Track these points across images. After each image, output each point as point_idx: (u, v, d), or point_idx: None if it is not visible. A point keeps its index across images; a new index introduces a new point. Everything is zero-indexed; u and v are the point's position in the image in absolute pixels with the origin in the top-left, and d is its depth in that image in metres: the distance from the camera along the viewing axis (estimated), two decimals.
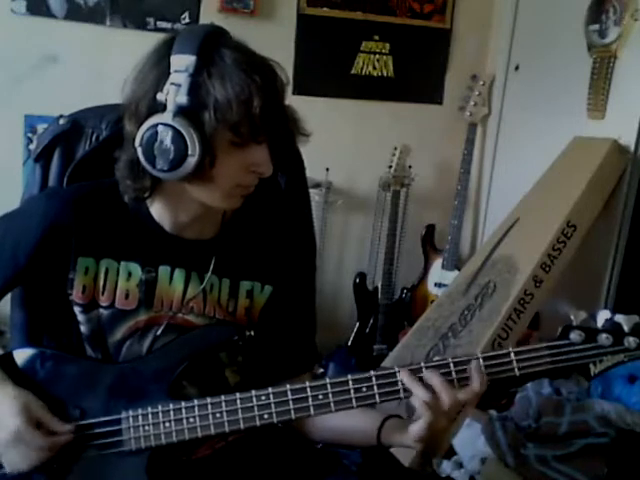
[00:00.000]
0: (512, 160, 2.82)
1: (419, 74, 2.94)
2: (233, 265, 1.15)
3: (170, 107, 0.96)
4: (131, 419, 1.05)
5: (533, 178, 2.38)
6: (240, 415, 1.01)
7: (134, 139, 0.99)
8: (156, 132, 0.97)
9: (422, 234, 2.89)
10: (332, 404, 0.99)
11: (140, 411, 1.05)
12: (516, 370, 0.97)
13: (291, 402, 1.00)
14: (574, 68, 2.39)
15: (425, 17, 2.88)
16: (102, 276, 1.11)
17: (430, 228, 2.89)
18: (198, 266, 1.13)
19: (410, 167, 2.73)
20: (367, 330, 2.79)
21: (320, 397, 1.00)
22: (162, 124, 0.96)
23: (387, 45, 2.85)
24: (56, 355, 1.12)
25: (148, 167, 1.00)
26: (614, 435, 1.79)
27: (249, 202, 1.11)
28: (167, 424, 1.04)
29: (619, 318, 0.95)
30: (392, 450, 1.17)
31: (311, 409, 1.00)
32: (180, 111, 0.96)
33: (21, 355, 1.12)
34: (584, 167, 2.21)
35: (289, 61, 2.67)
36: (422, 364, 0.98)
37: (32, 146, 2.44)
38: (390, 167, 2.70)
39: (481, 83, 2.84)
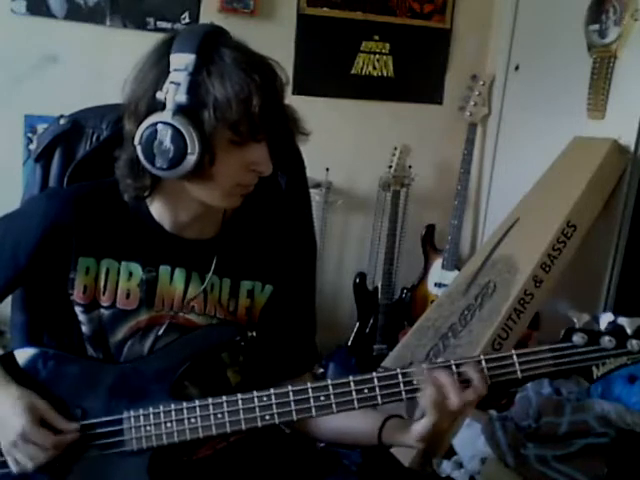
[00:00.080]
0: (512, 160, 2.82)
1: (419, 74, 2.93)
2: (234, 265, 1.15)
3: (169, 106, 0.96)
4: (132, 419, 1.05)
5: (533, 178, 2.38)
6: (242, 416, 1.01)
7: (134, 138, 0.99)
8: (155, 131, 0.97)
9: (422, 234, 2.89)
10: (334, 405, 0.99)
11: (142, 411, 1.05)
12: (519, 373, 0.97)
13: (293, 403, 1.00)
14: (574, 68, 2.39)
15: (425, 17, 2.88)
16: (103, 276, 1.11)
17: (430, 228, 2.89)
18: (199, 266, 1.13)
19: (410, 167, 2.73)
20: (367, 330, 2.79)
21: (322, 398, 1.00)
22: (161, 123, 0.97)
23: (387, 45, 2.85)
24: (58, 355, 1.12)
25: (148, 166, 1.00)
26: (614, 435, 1.79)
27: (249, 202, 1.11)
28: (168, 424, 1.04)
29: (622, 321, 0.95)
30: (392, 450, 1.17)
31: (313, 410, 1.00)
32: (179, 110, 0.96)
33: (22, 355, 1.12)
34: (584, 167, 2.21)
35: (289, 61, 2.67)
36: (424, 365, 0.98)
37: (32, 146, 2.44)
38: (390, 167, 2.70)
39: (481, 83, 2.84)
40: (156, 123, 0.97)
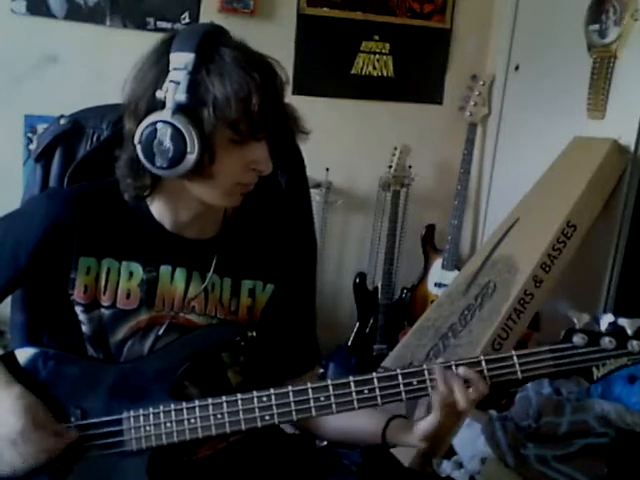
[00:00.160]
0: (512, 160, 2.82)
1: (419, 74, 2.94)
2: (234, 264, 1.15)
3: (169, 105, 0.96)
4: (132, 419, 1.05)
5: (533, 178, 2.38)
6: (241, 416, 1.01)
7: (134, 137, 0.99)
8: (155, 130, 0.97)
9: (422, 234, 2.89)
10: (334, 405, 1.00)
11: (141, 411, 1.05)
12: (519, 373, 0.97)
13: (293, 403, 1.00)
14: (574, 68, 2.39)
15: (425, 17, 2.88)
16: (104, 276, 1.10)
17: (430, 228, 2.89)
18: (199, 265, 1.13)
19: (410, 167, 2.73)
20: (367, 330, 2.79)
21: (322, 399, 1.00)
22: (161, 121, 0.97)
23: (387, 45, 2.85)
24: (58, 355, 1.11)
25: (148, 165, 1.00)
26: (614, 435, 1.79)
27: (250, 201, 1.11)
28: (168, 424, 1.04)
29: (623, 322, 0.95)
30: (392, 450, 1.17)
31: (313, 410, 1.00)
32: (179, 108, 0.96)
33: (23, 354, 1.11)
34: (584, 167, 2.21)
35: (289, 61, 2.67)
36: (424, 366, 0.99)
37: (32, 146, 2.44)
38: (390, 167, 2.71)
39: (481, 83, 2.84)
40: (156, 122, 0.97)
